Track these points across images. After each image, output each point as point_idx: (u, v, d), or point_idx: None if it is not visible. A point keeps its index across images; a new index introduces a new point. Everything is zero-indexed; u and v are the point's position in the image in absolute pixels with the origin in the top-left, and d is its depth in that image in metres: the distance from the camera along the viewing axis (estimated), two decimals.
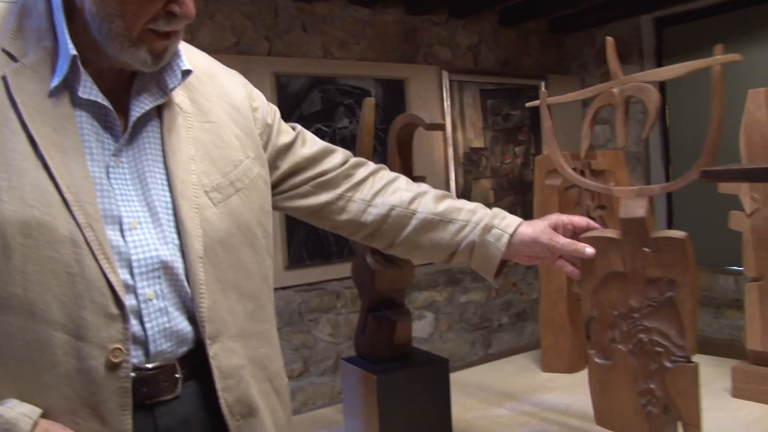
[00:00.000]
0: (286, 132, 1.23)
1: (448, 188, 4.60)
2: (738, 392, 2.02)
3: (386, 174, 1.36)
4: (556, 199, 2.28)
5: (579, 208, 2.25)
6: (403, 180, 1.36)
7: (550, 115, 1.56)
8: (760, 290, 1.94)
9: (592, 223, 1.33)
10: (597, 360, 1.57)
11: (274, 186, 1.21)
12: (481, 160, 4.71)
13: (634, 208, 1.44)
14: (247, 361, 1.01)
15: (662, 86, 5.23)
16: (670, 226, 5.15)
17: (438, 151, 4.51)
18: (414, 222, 1.29)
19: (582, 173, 2.25)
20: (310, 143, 1.27)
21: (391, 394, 1.76)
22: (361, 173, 1.31)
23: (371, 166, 1.35)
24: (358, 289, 1.89)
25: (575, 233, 1.34)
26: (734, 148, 1.92)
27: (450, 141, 4.53)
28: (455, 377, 2.41)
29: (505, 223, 1.30)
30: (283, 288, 4.19)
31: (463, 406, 2.12)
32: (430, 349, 4.08)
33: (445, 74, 4.57)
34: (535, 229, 1.29)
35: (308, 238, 4.23)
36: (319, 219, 1.29)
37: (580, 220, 1.34)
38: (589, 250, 1.29)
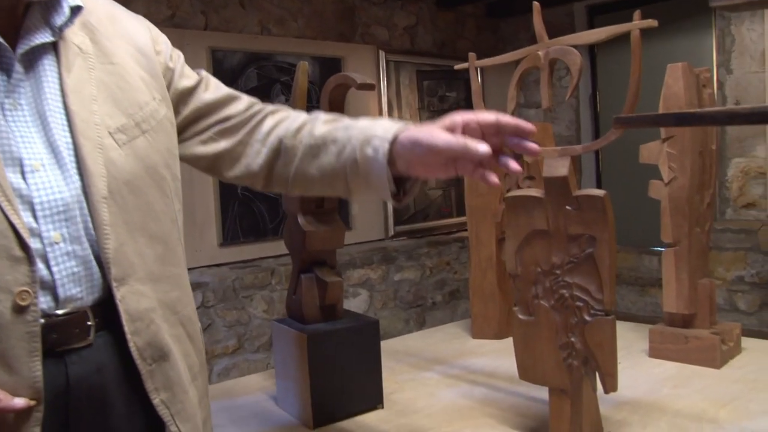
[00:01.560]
0: (188, 76, 1.18)
1: None
2: (654, 352, 2.12)
3: (286, 112, 1.24)
4: None
5: (508, 178, 2.31)
6: (302, 113, 1.23)
7: (477, 78, 1.60)
8: (675, 255, 2.04)
9: (503, 117, 1.02)
10: (521, 316, 1.62)
11: (177, 133, 1.17)
12: None
13: (557, 167, 1.50)
14: (157, 305, 0.99)
15: (594, 74, 5.39)
16: None
17: None
18: (300, 152, 1.16)
19: None
20: (214, 89, 1.21)
21: (322, 353, 1.78)
22: (260, 116, 1.22)
23: (272, 107, 1.25)
24: (290, 251, 1.90)
25: (485, 135, 1.05)
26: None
27: None
28: (387, 345, 2.45)
29: (385, 129, 1.07)
30: (218, 265, 4.15)
31: (393, 370, 2.16)
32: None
33: (381, 54, 4.59)
34: (420, 128, 1.04)
35: (243, 216, 4.20)
36: (220, 169, 1.22)
37: (487, 117, 1.03)
38: (483, 147, 0.96)
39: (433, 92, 4.85)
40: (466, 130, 1.02)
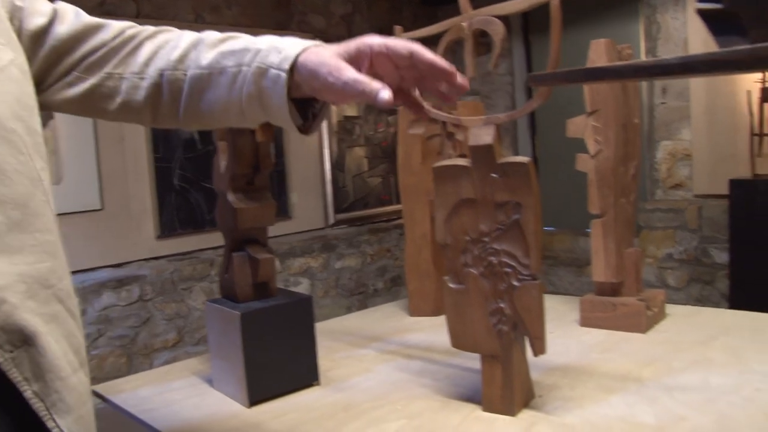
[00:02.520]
0: (41, 13, 1.01)
1: (321, 157, 4.63)
2: (584, 321, 2.18)
3: (167, 35, 1.07)
4: (419, 149, 2.35)
5: (441, 157, 2.33)
6: (186, 35, 1.07)
7: None
8: (603, 226, 2.09)
9: (418, 51, 0.93)
10: (451, 285, 1.65)
11: (40, 82, 1.02)
12: (355, 128, 4.77)
13: (482, 135, 1.52)
14: (15, 280, 0.83)
15: (528, 60, 5.48)
16: None
17: None
18: (186, 86, 1.02)
19: (444, 123, 2.34)
20: (71, 19, 1.03)
21: (256, 330, 1.77)
22: (133, 42, 1.05)
23: (151, 29, 1.07)
24: (221, 230, 1.89)
25: (398, 67, 0.96)
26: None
27: None
28: (325, 325, 2.46)
29: (282, 56, 0.95)
30: (155, 258, 4.09)
31: (329, 349, 2.16)
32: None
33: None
34: (320, 57, 0.93)
35: (180, 207, 4.14)
36: (91, 109, 1.07)
37: (400, 48, 0.93)
38: (383, 96, 0.87)
39: None
40: (376, 61, 0.95)
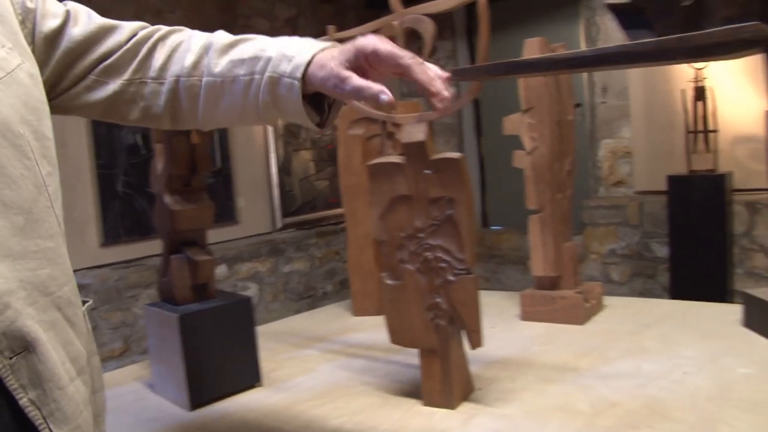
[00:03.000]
0: (54, 14, 1.02)
1: (267, 161, 4.61)
2: (525, 315, 2.22)
3: (178, 37, 1.09)
4: (359, 149, 2.37)
5: (381, 156, 2.35)
6: (196, 37, 1.09)
7: None
8: (540, 221, 2.14)
9: (380, 50, 0.98)
10: (388, 281, 1.66)
11: (55, 85, 1.03)
12: (301, 132, 4.76)
13: (415, 132, 1.54)
14: (18, 286, 0.83)
15: (472, 64, 5.54)
16: (483, 193, 5.48)
17: None
18: (203, 91, 1.05)
19: (383, 123, 2.35)
20: (84, 21, 1.03)
21: (195, 333, 1.76)
22: (148, 45, 1.06)
23: (162, 30, 1.10)
24: (159, 233, 1.87)
25: (382, 64, 1.00)
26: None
27: None
28: (269, 327, 2.45)
29: (293, 65, 1.00)
30: (99, 266, 4.01)
31: (273, 350, 2.16)
32: (257, 320, 4.08)
33: None
34: (326, 69, 0.99)
35: (125, 214, 4.07)
36: (113, 114, 1.09)
37: (387, 53, 0.98)
38: (383, 97, 0.95)
39: None
40: (364, 57, 0.99)
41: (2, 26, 0.94)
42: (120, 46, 1.05)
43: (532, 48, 2.08)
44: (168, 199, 1.77)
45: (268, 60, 1.02)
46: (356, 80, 0.96)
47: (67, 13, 1.02)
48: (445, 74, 1.00)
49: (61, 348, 0.87)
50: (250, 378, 1.88)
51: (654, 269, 4.58)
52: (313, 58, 1.00)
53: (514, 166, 2.20)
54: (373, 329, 2.28)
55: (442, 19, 5.16)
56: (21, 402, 0.80)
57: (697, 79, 4.21)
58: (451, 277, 1.58)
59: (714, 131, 4.19)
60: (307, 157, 4.79)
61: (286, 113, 1.04)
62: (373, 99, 0.95)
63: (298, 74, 0.99)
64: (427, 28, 1.51)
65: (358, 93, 0.96)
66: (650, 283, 4.61)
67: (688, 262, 4.21)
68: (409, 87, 5.36)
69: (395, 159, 1.60)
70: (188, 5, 4.23)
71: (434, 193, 1.56)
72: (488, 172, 5.52)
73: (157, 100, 1.06)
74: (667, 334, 1.99)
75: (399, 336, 1.67)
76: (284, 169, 4.68)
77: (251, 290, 4.45)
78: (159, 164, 1.85)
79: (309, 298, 4.77)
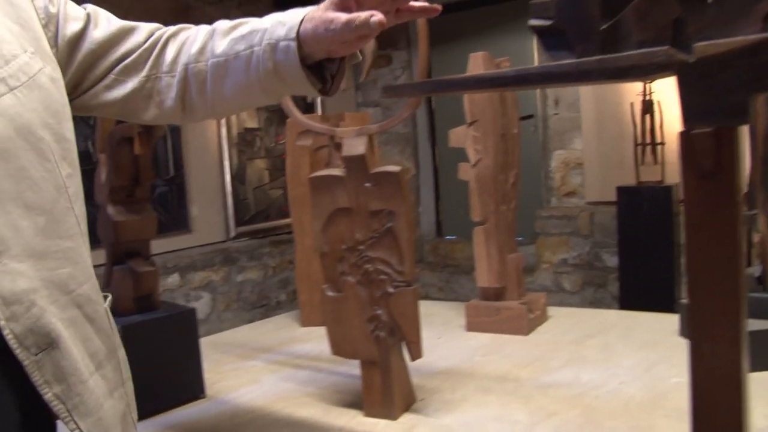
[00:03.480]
0: (75, 18, 1.05)
1: (221, 169, 4.58)
2: (471, 326, 2.24)
3: (186, 32, 1.13)
4: (307, 160, 2.37)
5: (329, 167, 2.36)
6: (203, 28, 1.13)
7: None
8: (485, 233, 2.17)
9: None
10: (329, 293, 1.67)
11: (77, 85, 1.06)
12: (255, 140, 4.74)
13: (355, 146, 1.56)
14: (41, 285, 0.87)
15: (429, 76, 5.58)
16: (437, 203, 5.53)
17: (211, 132, 4.47)
18: (209, 75, 1.09)
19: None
20: (104, 23, 1.07)
21: (137, 344, 1.74)
22: (160, 43, 1.11)
23: (172, 28, 1.14)
24: (102, 243, 1.85)
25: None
26: None
27: (223, 121, 4.51)
28: (215, 338, 2.44)
29: (287, 28, 1.03)
30: None
31: (217, 362, 2.15)
32: (209, 330, 4.05)
33: None
34: (313, 21, 1.01)
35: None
36: (134, 112, 1.12)
37: None
38: (374, 19, 0.93)
39: None
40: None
41: (25, 31, 0.96)
42: (139, 46, 1.09)
43: (476, 62, 2.11)
44: (111, 209, 1.76)
45: (265, 31, 1.04)
46: (343, 16, 0.97)
47: (88, 16, 1.06)
48: None
49: (81, 344, 0.91)
50: (194, 390, 1.87)
51: (604, 278, 4.66)
52: (304, 17, 1.02)
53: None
54: (319, 340, 2.28)
55: (397, 30, 5.18)
56: (46, 397, 0.84)
57: (645, 93, 4.30)
58: (391, 289, 1.60)
59: (661, 144, 4.28)
60: (261, 166, 4.77)
61: (287, 80, 1.05)
62: (365, 26, 0.93)
63: (293, 34, 1.01)
64: (368, 44, 1.53)
65: (349, 26, 0.95)
66: (601, 293, 4.69)
67: (636, 272, 4.29)
68: (364, 98, 5.39)
69: (336, 172, 1.62)
70: (140, 13, 4.19)
71: (374, 205, 1.58)
72: (442, 181, 5.56)
73: (170, 92, 1.09)
74: (608, 344, 2.03)
75: (340, 347, 1.68)
76: (238, 178, 4.65)
77: (204, 299, 4.41)
78: (102, 174, 1.84)
79: (262, 308, 4.73)
